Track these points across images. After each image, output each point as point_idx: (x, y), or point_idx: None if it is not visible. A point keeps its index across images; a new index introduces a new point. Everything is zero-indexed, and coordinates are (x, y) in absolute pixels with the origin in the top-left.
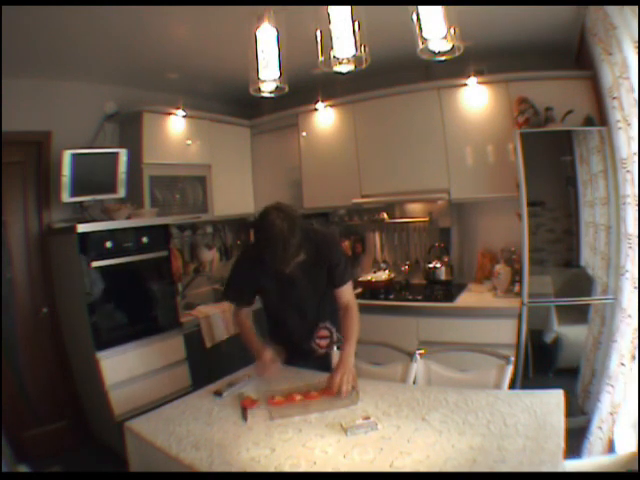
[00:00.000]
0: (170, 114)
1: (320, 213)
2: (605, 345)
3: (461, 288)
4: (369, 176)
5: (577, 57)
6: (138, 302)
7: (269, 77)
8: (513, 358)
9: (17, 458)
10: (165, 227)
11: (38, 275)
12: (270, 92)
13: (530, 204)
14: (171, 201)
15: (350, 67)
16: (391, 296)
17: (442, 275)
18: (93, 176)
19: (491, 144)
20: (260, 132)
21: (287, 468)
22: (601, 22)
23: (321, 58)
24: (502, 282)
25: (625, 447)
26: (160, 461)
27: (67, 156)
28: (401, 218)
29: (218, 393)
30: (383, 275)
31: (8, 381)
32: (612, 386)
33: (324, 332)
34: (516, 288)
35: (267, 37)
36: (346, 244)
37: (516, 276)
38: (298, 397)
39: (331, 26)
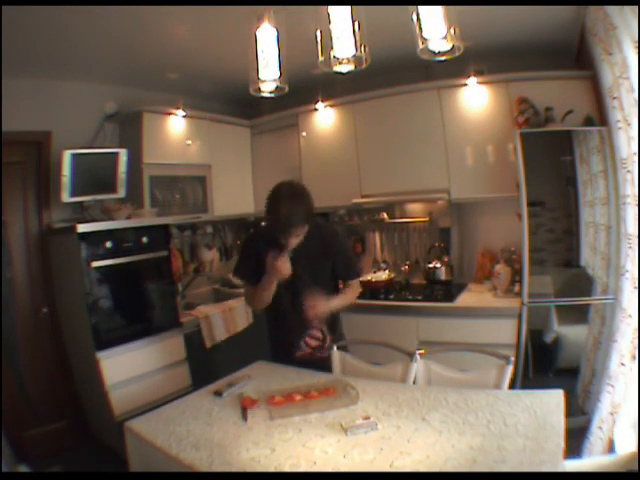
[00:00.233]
0: (170, 114)
1: (320, 213)
2: (605, 345)
3: (461, 288)
4: (369, 176)
5: (577, 57)
6: (138, 302)
7: (269, 77)
8: (513, 358)
9: (17, 458)
10: (165, 227)
11: (38, 275)
12: (270, 92)
13: (530, 204)
14: (171, 201)
15: (350, 67)
16: (391, 296)
17: (442, 275)
18: (93, 176)
19: (491, 144)
20: (260, 132)
21: (287, 468)
22: (601, 22)
23: (321, 58)
24: (502, 282)
25: (625, 447)
26: (160, 461)
27: (67, 156)
28: (401, 218)
29: (218, 393)
30: (383, 275)
31: (8, 381)
32: (612, 386)
33: (317, 333)
34: (516, 288)
35: (267, 37)
36: None
37: (516, 276)
38: (298, 397)
39: (331, 26)
